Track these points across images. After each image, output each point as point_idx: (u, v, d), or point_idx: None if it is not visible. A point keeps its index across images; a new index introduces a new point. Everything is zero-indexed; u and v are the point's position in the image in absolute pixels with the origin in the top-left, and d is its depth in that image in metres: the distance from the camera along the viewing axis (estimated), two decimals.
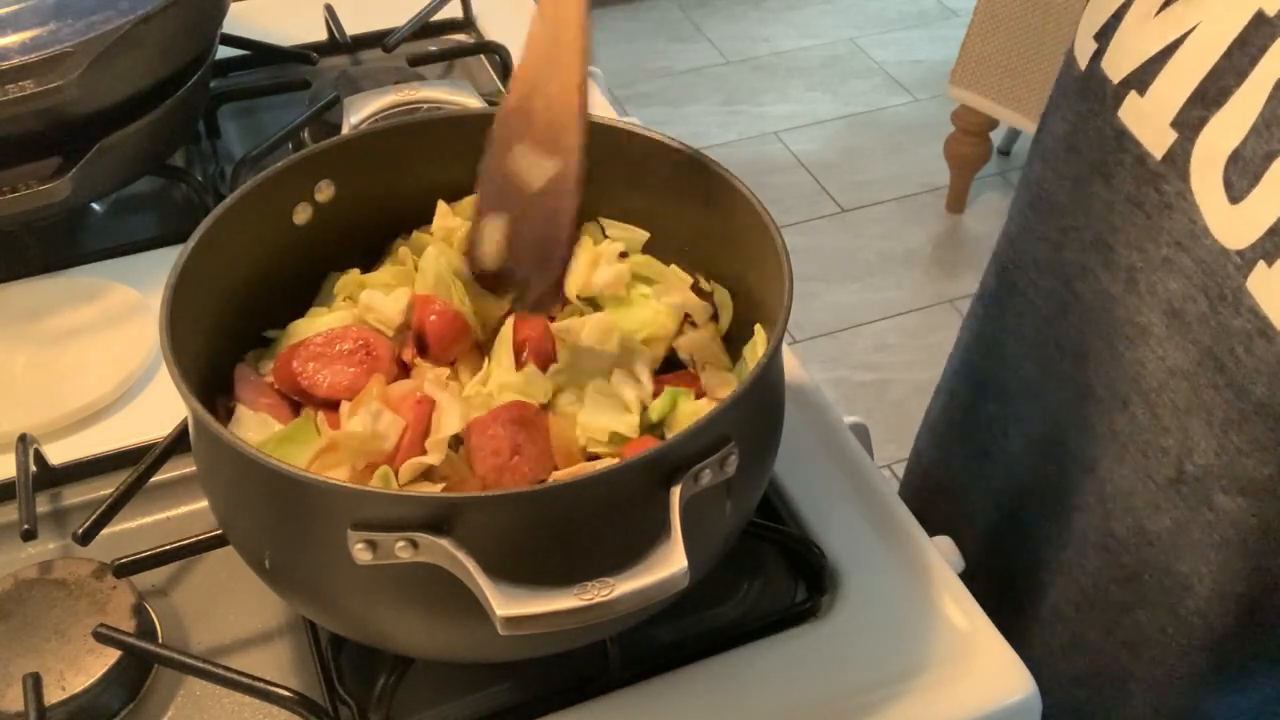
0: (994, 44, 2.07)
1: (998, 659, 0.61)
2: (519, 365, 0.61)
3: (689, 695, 0.59)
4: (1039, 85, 2.04)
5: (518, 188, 0.59)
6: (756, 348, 0.62)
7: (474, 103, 0.86)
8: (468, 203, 0.68)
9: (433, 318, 0.61)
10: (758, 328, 0.62)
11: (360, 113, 0.84)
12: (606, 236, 0.69)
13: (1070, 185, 0.64)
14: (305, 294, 0.67)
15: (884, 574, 0.64)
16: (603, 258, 0.66)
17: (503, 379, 0.60)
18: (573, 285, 0.65)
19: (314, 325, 0.63)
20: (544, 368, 0.61)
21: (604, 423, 0.58)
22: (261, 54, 1.03)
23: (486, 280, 0.62)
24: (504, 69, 1.03)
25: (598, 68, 1.08)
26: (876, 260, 2.31)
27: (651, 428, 0.60)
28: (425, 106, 0.85)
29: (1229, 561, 0.59)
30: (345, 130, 0.83)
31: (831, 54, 2.90)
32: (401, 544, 0.46)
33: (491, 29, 1.09)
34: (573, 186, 0.57)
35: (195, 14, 0.83)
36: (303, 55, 1.02)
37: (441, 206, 0.68)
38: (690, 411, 0.60)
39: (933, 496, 0.88)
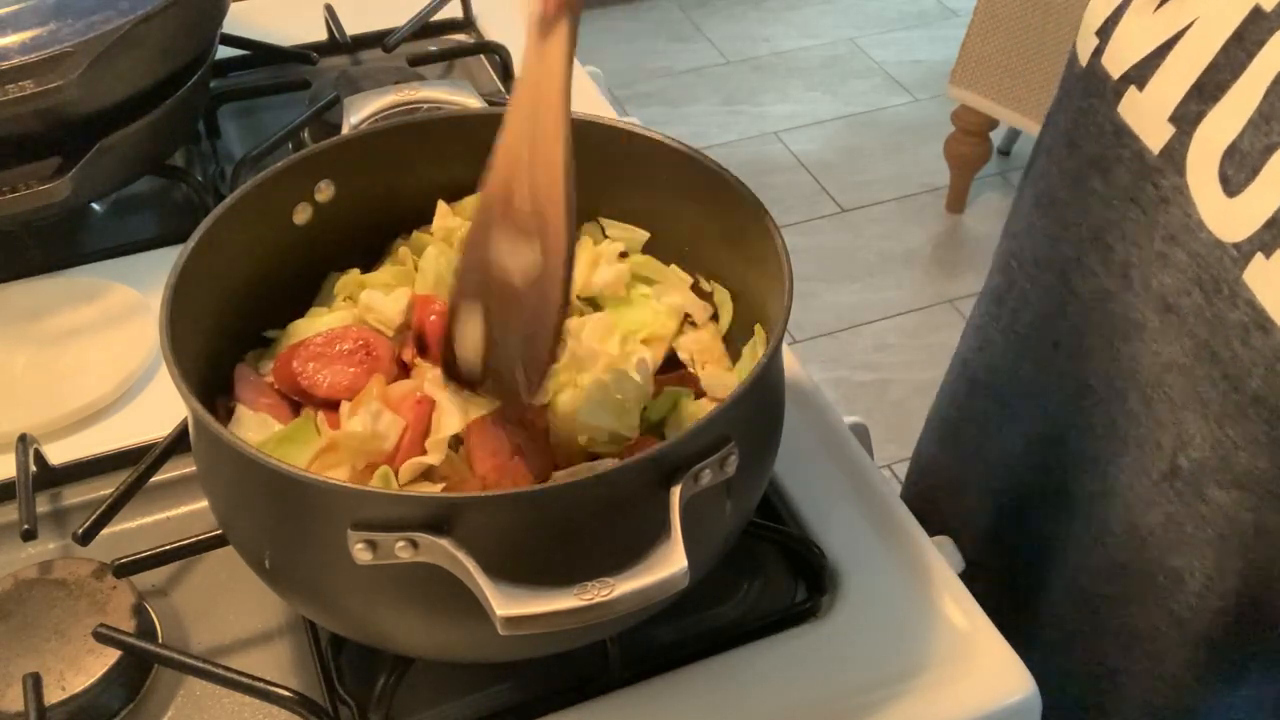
0: (994, 44, 2.07)
1: (998, 659, 0.61)
2: None
3: (689, 695, 0.59)
4: (1039, 85, 2.04)
5: (501, 279, 0.55)
6: (756, 348, 0.62)
7: (474, 103, 0.86)
8: (468, 203, 0.68)
9: (433, 318, 0.61)
10: (758, 328, 0.62)
11: (360, 113, 0.84)
12: (606, 236, 0.69)
13: (1070, 182, 0.64)
14: (305, 294, 0.67)
15: (884, 574, 0.64)
16: (603, 258, 0.66)
17: None
18: (573, 286, 0.65)
19: (314, 325, 0.63)
20: None
21: (604, 423, 0.58)
22: (261, 54, 1.03)
23: (464, 379, 0.57)
24: (504, 69, 1.03)
25: (598, 68, 1.08)
26: (876, 260, 2.31)
27: (651, 428, 0.60)
28: (425, 106, 0.85)
29: (1221, 557, 0.59)
30: (345, 130, 0.83)
31: (831, 54, 2.90)
32: (401, 544, 0.46)
33: (491, 29, 1.09)
34: (560, 276, 0.54)
35: (195, 14, 0.83)
36: (303, 55, 1.02)
37: (441, 206, 0.68)
38: (690, 411, 0.60)
39: (933, 496, 0.88)
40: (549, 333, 0.55)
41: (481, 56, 1.06)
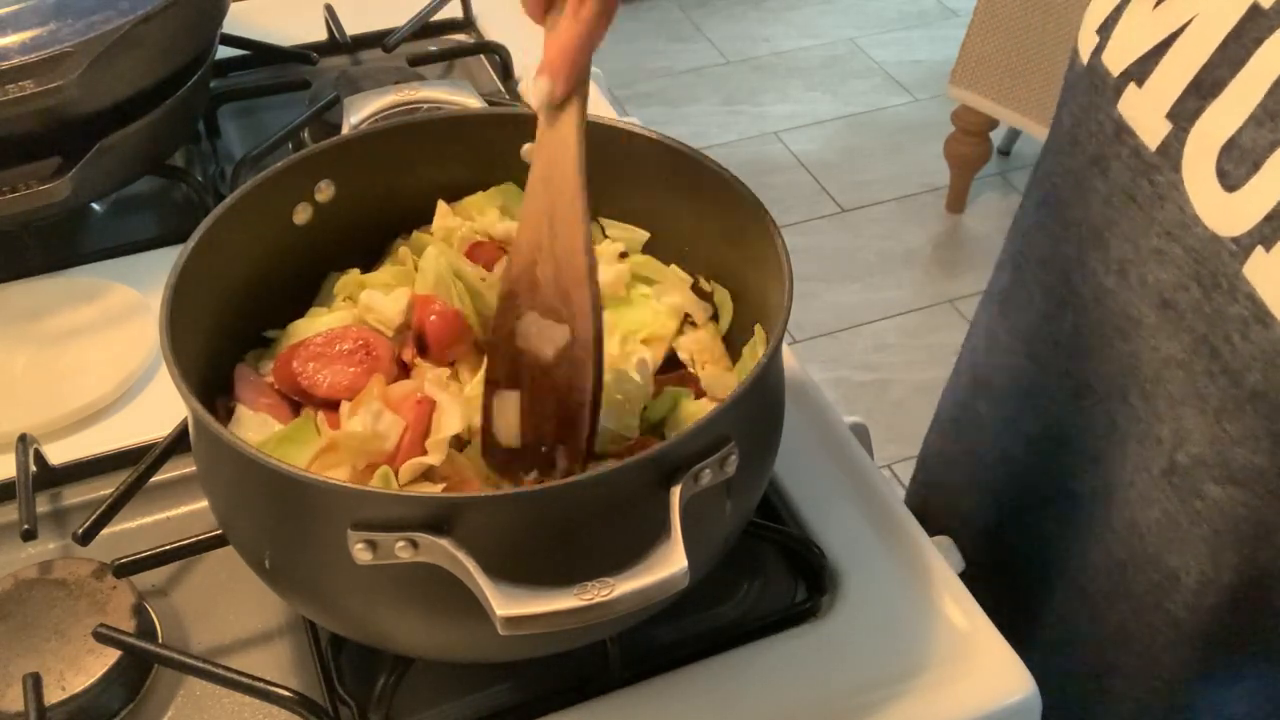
0: (994, 44, 2.07)
1: (998, 659, 0.61)
2: None
3: (689, 695, 0.59)
4: (1039, 85, 2.04)
5: (530, 359, 0.57)
6: (756, 348, 0.62)
7: (474, 103, 0.86)
8: (468, 203, 0.68)
9: (433, 318, 0.61)
10: (758, 327, 0.62)
11: (360, 113, 0.84)
12: (606, 236, 0.69)
13: (1073, 180, 0.64)
14: (305, 294, 0.67)
15: (884, 574, 0.64)
16: (603, 258, 0.66)
17: None
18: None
19: (314, 325, 0.63)
20: None
21: (604, 423, 0.58)
22: (261, 54, 1.03)
23: (504, 461, 0.57)
24: (504, 69, 1.03)
25: (598, 68, 1.08)
26: (876, 260, 2.31)
27: (651, 428, 0.60)
28: (425, 106, 0.85)
29: (1217, 554, 0.59)
30: (345, 130, 0.83)
31: (831, 54, 2.90)
32: (401, 544, 0.46)
33: (491, 29, 1.09)
34: (588, 352, 0.55)
35: (195, 14, 0.83)
36: (303, 55, 1.02)
37: (441, 206, 0.68)
38: (690, 411, 0.60)
39: (933, 495, 0.88)
40: (584, 413, 0.56)
41: (481, 56, 1.06)
